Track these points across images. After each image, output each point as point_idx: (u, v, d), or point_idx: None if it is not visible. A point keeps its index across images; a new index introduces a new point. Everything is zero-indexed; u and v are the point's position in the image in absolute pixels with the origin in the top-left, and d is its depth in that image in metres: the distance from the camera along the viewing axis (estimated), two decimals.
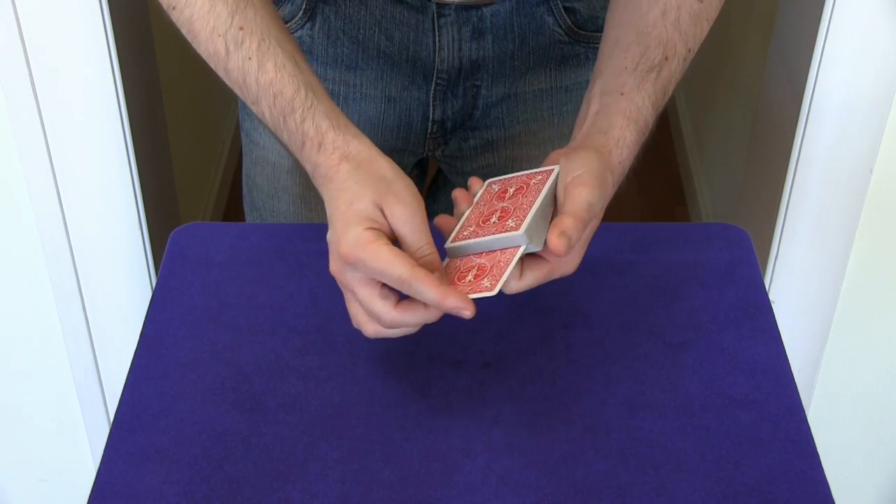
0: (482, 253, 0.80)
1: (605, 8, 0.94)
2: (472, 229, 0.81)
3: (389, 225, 0.77)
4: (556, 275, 0.81)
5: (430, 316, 0.76)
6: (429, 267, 0.76)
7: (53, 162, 1.31)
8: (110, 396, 1.52)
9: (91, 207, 1.36)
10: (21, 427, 1.57)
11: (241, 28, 0.82)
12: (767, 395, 0.84)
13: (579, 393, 0.83)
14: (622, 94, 0.84)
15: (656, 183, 2.59)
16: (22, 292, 1.43)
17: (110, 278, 1.42)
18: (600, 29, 1.03)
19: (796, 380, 0.86)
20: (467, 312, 0.74)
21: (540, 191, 0.80)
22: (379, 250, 0.75)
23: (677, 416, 0.81)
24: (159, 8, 0.87)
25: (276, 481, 0.77)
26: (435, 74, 1.04)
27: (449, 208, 1.21)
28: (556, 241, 0.75)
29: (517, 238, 0.77)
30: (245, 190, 1.18)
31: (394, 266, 0.74)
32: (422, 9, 1.00)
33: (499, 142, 1.10)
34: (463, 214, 0.84)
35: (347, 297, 0.79)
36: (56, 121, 1.29)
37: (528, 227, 0.77)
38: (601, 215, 0.82)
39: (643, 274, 0.94)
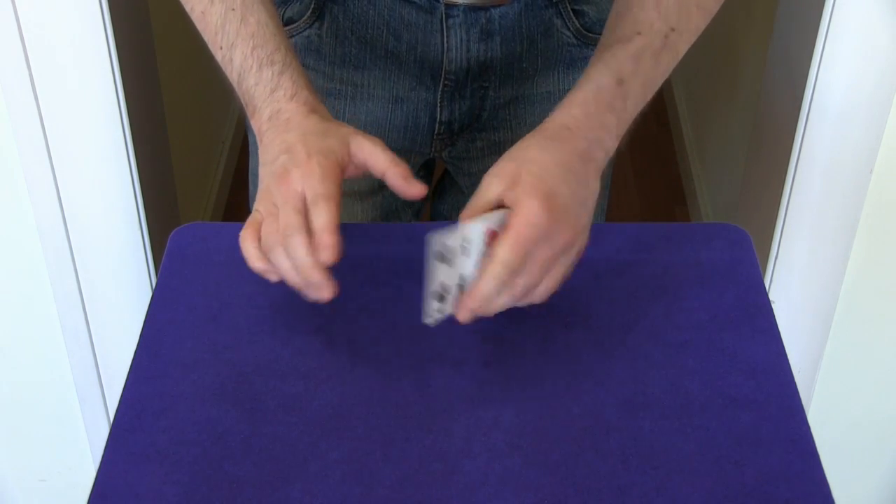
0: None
1: None
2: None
3: (362, 157, 0.82)
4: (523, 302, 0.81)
5: (300, 253, 0.78)
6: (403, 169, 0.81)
7: (53, 162, 1.31)
8: (110, 396, 1.52)
9: (91, 207, 1.36)
10: (21, 427, 1.57)
11: None
12: (767, 395, 0.83)
13: (579, 393, 0.83)
14: (587, 76, 0.85)
15: (656, 183, 2.59)
16: (22, 292, 1.43)
17: (110, 278, 1.42)
18: None
19: (796, 380, 0.86)
20: (326, 252, 0.77)
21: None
22: (326, 172, 0.79)
23: (677, 416, 0.81)
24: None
25: (276, 481, 0.77)
26: (443, 75, 1.04)
27: (454, 209, 1.21)
28: (462, 313, 0.78)
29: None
30: (251, 187, 1.19)
31: (323, 184, 0.78)
32: (430, 9, 1.00)
33: (506, 143, 1.10)
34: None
35: (269, 215, 0.81)
36: (56, 121, 1.29)
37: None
38: (593, 195, 0.81)
39: (643, 274, 0.94)
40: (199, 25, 0.89)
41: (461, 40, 1.02)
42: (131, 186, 1.36)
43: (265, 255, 0.81)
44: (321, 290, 0.79)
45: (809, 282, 1.44)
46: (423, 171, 1.17)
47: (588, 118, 0.82)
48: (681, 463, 0.78)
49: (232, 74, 0.87)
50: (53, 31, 1.23)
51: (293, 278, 0.80)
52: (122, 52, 1.28)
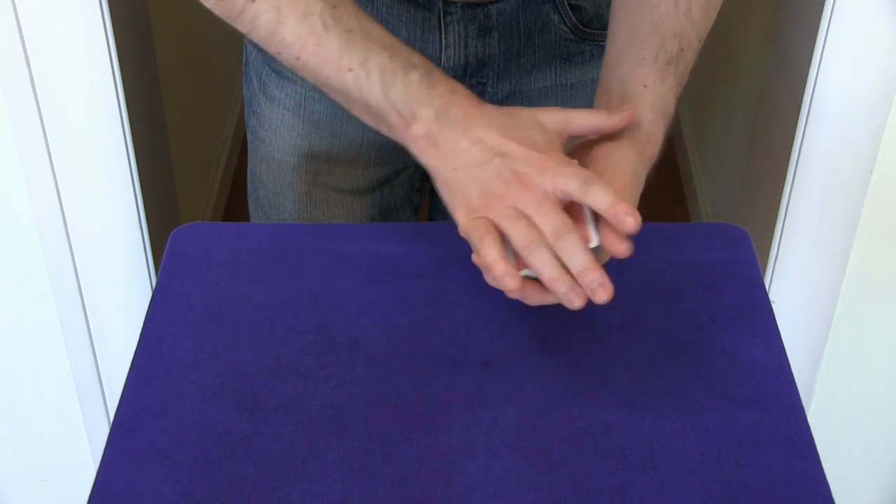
0: None
1: (610, 6, 0.94)
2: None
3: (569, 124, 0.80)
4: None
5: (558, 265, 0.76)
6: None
7: (53, 162, 1.31)
8: (110, 396, 1.52)
9: (91, 207, 1.36)
10: (21, 427, 1.57)
11: (334, 7, 0.82)
12: (767, 395, 0.83)
13: (579, 393, 0.83)
14: (645, 86, 0.84)
15: (656, 183, 2.58)
16: (22, 292, 1.43)
17: (110, 278, 1.42)
18: (605, 27, 1.03)
19: (796, 380, 0.86)
20: (631, 219, 0.75)
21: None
22: (567, 159, 0.78)
23: (677, 416, 0.81)
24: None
25: (276, 481, 0.77)
26: None
27: None
28: (627, 221, 0.75)
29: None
30: (250, 188, 1.19)
31: (581, 170, 0.76)
32: (428, 6, 1.00)
33: None
34: None
35: (514, 217, 0.78)
36: (56, 121, 1.29)
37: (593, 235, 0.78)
38: None
39: (643, 274, 0.94)
40: (314, 61, 0.83)
41: (459, 37, 1.02)
42: (131, 186, 1.35)
43: (507, 259, 0.77)
44: (600, 290, 0.76)
45: (809, 282, 1.44)
46: (421, 167, 1.17)
47: (658, 144, 0.84)
48: (681, 463, 0.78)
49: (371, 91, 0.81)
50: (53, 31, 1.23)
51: (560, 283, 0.76)
52: (122, 52, 1.28)
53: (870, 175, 1.33)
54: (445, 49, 1.02)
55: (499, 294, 0.81)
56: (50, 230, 1.36)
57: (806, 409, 0.84)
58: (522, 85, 1.08)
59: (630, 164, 0.80)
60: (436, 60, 1.03)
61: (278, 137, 1.10)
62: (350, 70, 0.82)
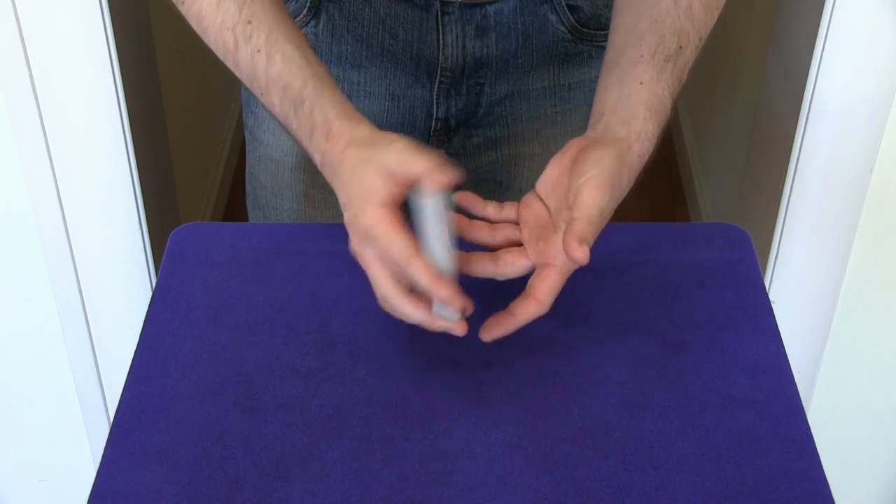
0: None
1: (608, 6, 0.94)
2: None
3: (403, 174, 0.78)
4: (568, 272, 0.81)
5: (418, 315, 0.77)
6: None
7: (53, 162, 1.31)
8: (110, 396, 1.52)
9: (91, 207, 1.36)
10: (21, 427, 1.57)
11: (249, 22, 0.84)
12: (767, 395, 0.83)
13: (579, 393, 0.83)
14: (641, 83, 0.84)
15: (656, 183, 2.59)
16: (22, 292, 1.43)
17: (110, 278, 1.42)
18: (603, 27, 1.03)
19: (796, 380, 0.86)
20: (456, 316, 0.76)
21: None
22: (387, 228, 0.76)
23: (677, 416, 0.81)
24: (163, 4, 0.87)
25: (276, 481, 0.77)
26: (439, 72, 1.04)
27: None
28: (576, 250, 0.75)
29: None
30: (248, 188, 1.19)
31: (394, 245, 0.75)
32: (426, 7, 1.00)
33: (502, 139, 1.10)
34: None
35: (369, 274, 0.80)
36: (56, 121, 1.29)
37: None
38: (609, 217, 0.82)
39: (643, 274, 0.94)
40: (238, 76, 0.87)
41: (457, 37, 1.02)
42: (131, 186, 1.36)
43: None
44: (459, 312, 0.77)
45: (809, 282, 1.44)
46: None
47: (650, 141, 0.84)
48: (681, 463, 0.78)
49: (279, 117, 0.85)
50: (53, 31, 1.23)
51: (433, 322, 0.78)
52: (122, 52, 1.28)
53: (870, 175, 1.33)
54: (443, 49, 1.02)
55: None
56: (50, 230, 1.36)
57: (806, 409, 0.84)
58: (520, 85, 1.08)
59: (606, 165, 0.79)
60: (434, 61, 1.03)
61: (276, 137, 1.10)
62: (261, 95, 0.85)
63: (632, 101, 0.83)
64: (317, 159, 0.83)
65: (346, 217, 0.80)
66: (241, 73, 0.85)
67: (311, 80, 0.83)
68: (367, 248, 0.78)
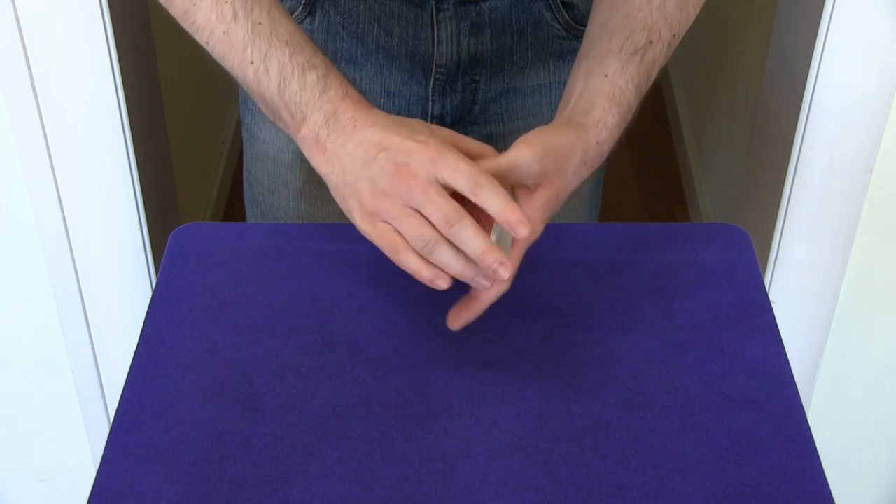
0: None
1: None
2: None
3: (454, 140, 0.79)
4: (526, 245, 0.81)
5: (459, 264, 0.76)
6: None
7: (53, 162, 1.31)
8: (110, 396, 1.52)
9: (91, 207, 1.36)
10: (21, 427, 1.57)
11: None
12: (767, 395, 0.83)
13: (579, 393, 0.83)
14: (606, 76, 0.85)
15: (656, 183, 2.59)
16: (22, 292, 1.43)
17: (110, 278, 1.42)
18: None
19: (796, 380, 0.86)
20: (523, 227, 0.74)
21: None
22: (455, 153, 0.76)
23: (677, 416, 0.81)
24: (160, 8, 0.87)
25: (276, 481, 0.77)
26: (434, 69, 1.04)
27: None
28: (520, 228, 0.75)
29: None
30: (246, 185, 1.19)
31: (469, 166, 0.75)
32: (421, 4, 1.01)
33: (498, 137, 1.10)
34: None
35: (406, 216, 0.77)
36: (56, 121, 1.29)
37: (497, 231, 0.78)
38: (566, 190, 0.82)
39: (643, 274, 0.94)
40: (221, 48, 0.84)
41: (451, 34, 1.02)
42: (131, 186, 1.36)
43: (427, 262, 0.77)
44: (500, 269, 0.75)
45: (809, 282, 1.44)
46: None
47: (609, 130, 0.84)
48: (681, 463, 0.78)
49: (269, 87, 0.83)
50: (53, 31, 1.23)
51: (466, 271, 0.76)
52: (122, 52, 1.29)
53: (870, 175, 1.33)
54: (438, 46, 1.03)
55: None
56: (50, 230, 1.36)
57: (806, 409, 0.84)
58: (515, 82, 1.08)
59: (557, 136, 0.80)
60: (429, 58, 1.03)
61: (272, 134, 1.10)
62: (251, 63, 0.83)
63: (594, 92, 0.84)
64: (318, 117, 0.81)
65: (382, 159, 0.77)
66: (233, 44, 0.83)
67: (320, 53, 0.83)
68: (409, 177, 0.76)
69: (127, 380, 0.85)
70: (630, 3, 0.87)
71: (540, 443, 0.79)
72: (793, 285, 1.44)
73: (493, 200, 0.75)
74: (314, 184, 1.12)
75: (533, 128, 1.11)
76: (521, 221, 0.74)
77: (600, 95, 0.84)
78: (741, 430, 0.81)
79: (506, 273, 0.76)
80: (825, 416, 1.54)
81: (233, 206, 2.43)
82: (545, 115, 1.11)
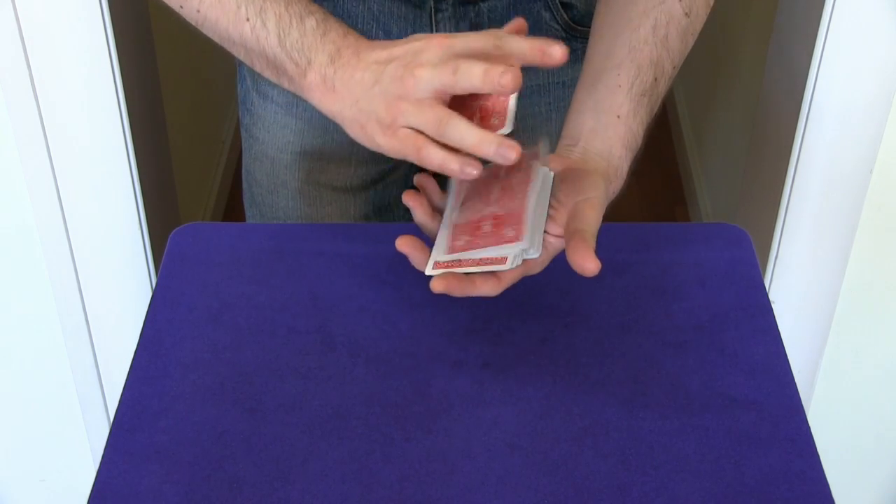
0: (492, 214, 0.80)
1: None
2: (466, 239, 0.80)
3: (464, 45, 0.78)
4: (527, 272, 0.82)
5: (473, 134, 0.74)
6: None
7: (53, 162, 1.31)
8: (110, 396, 1.52)
9: (91, 207, 1.36)
10: (21, 427, 1.57)
11: None
12: (767, 395, 0.83)
13: (579, 393, 0.83)
14: (618, 116, 0.85)
15: (656, 183, 2.59)
16: (22, 292, 1.43)
17: (110, 278, 1.42)
18: None
19: (796, 380, 0.86)
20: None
21: (527, 193, 0.80)
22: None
23: (677, 416, 0.81)
24: (163, 4, 0.86)
25: (276, 481, 0.77)
26: None
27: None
28: (590, 265, 0.76)
29: (517, 247, 0.77)
30: (245, 186, 1.19)
31: (473, 70, 0.74)
32: (419, 4, 1.01)
33: None
34: (443, 218, 0.84)
35: (421, 105, 0.76)
36: (56, 121, 1.29)
37: (528, 235, 0.77)
38: None
39: (643, 274, 0.94)
40: (214, 13, 0.83)
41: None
42: (131, 186, 1.36)
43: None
44: (509, 150, 0.73)
45: (809, 282, 1.44)
46: (414, 166, 1.17)
47: (623, 179, 0.85)
48: (681, 463, 0.78)
49: (268, 40, 0.82)
50: (53, 31, 1.23)
51: (486, 144, 0.74)
52: (122, 52, 1.28)
53: (870, 175, 1.33)
54: None
55: (499, 294, 0.81)
56: (50, 230, 1.36)
57: (806, 409, 0.84)
58: None
59: (601, 191, 0.81)
60: None
61: (271, 135, 1.10)
62: (247, 20, 0.82)
63: (609, 136, 0.85)
64: (322, 58, 0.80)
65: (390, 70, 0.77)
66: (225, 5, 0.82)
67: (314, 3, 0.83)
68: (417, 75, 0.75)
69: (127, 380, 0.85)
70: (635, 34, 0.87)
71: (540, 443, 0.79)
72: (793, 285, 1.44)
73: (518, 44, 0.75)
74: (313, 184, 1.12)
75: (531, 128, 1.11)
76: (505, 71, 0.73)
77: (616, 140, 0.85)
78: (741, 430, 0.81)
79: (513, 154, 0.73)
80: (825, 416, 1.54)
81: (233, 206, 2.43)
82: (543, 115, 1.11)
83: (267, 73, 0.85)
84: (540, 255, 0.80)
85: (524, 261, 0.80)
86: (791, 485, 0.77)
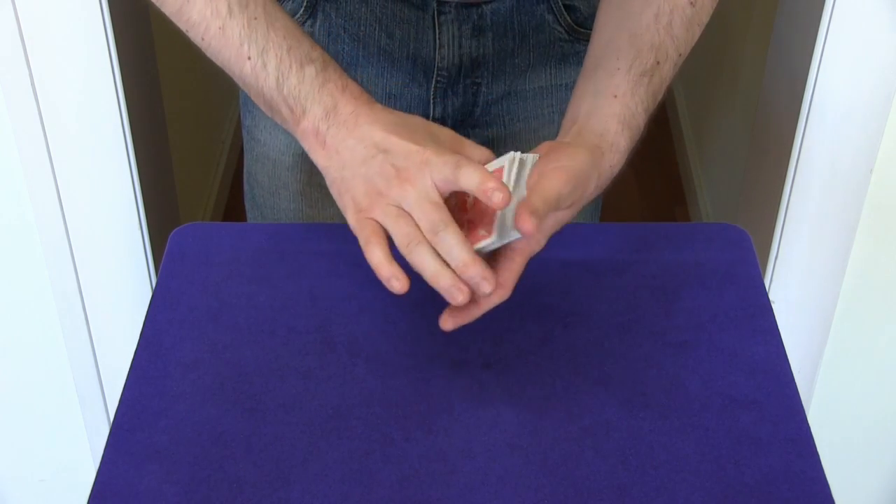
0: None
1: None
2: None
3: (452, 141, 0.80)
4: (529, 255, 0.81)
5: (463, 251, 0.75)
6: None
7: (53, 162, 1.31)
8: (110, 396, 1.52)
9: (91, 207, 1.36)
10: (21, 427, 1.57)
11: None
12: (767, 395, 0.83)
13: (579, 393, 0.83)
14: (615, 96, 0.85)
15: (656, 183, 2.59)
16: (22, 292, 1.43)
17: (110, 278, 1.42)
18: None
19: (796, 380, 0.86)
20: (498, 194, 0.73)
21: (494, 217, 0.79)
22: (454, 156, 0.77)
23: (677, 416, 0.81)
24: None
25: (276, 481, 0.77)
26: (435, 72, 1.04)
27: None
28: (525, 221, 0.74)
29: (493, 242, 0.77)
30: (246, 187, 1.19)
31: (472, 172, 0.75)
32: (422, 6, 1.01)
33: (499, 139, 1.10)
34: None
35: (395, 216, 0.77)
36: (56, 120, 1.29)
37: (498, 228, 0.77)
38: (575, 210, 0.82)
39: (643, 274, 0.94)
40: (217, 44, 0.84)
41: (453, 36, 1.02)
42: (131, 186, 1.36)
43: (393, 260, 0.77)
44: (483, 283, 0.75)
45: (809, 282, 1.44)
46: None
47: (621, 154, 0.84)
48: (681, 463, 0.78)
49: (267, 81, 0.82)
50: (53, 31, 1.23)
51: (441, 278, 0.76)
52: (122, 52, 1.29)
53: (870, 175, 1.33)
54: (440, 49, 1.02)
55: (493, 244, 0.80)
56: (50, 230, 1.36)
57: (806, 409, 0.84)
58: (517, 85, 1.08)
59: (579, 162, 0.80)
60: (430, 60, 1.03)
61: (273, 137, 1.10)
62: (249, 58, 0.82)
63: (605, 113, 0.84)
64: (317, 111, 0.81)
65: (380, 160, 0.78)
66: (229, 40, 0.83)
67: (317, 47, 0.83)
68: (406, 181, 0.77)
69: (127, 380, 0.85)
70: (637, 21, 0.87)
71: (540, 443, 0.79)
72: (793, 285, 1.44)
73: (472, 176, 0.75)
74: (315, 186, 1.12)
75: (534, 130, 1.11)
76: (497, 189, 0.74)
77: (611, 118, 0.84)
78: (741, 430, 0.81)
79: (488, 287, 0.76)
80: (825, 416, 1.54)
81: (233, 206, 2.43)
82: (546, 118, 1.11)
83: (263, 109, 0.85)
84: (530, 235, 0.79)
85: (520, 246, 0.79)
86: (791, 485, 0.77)
